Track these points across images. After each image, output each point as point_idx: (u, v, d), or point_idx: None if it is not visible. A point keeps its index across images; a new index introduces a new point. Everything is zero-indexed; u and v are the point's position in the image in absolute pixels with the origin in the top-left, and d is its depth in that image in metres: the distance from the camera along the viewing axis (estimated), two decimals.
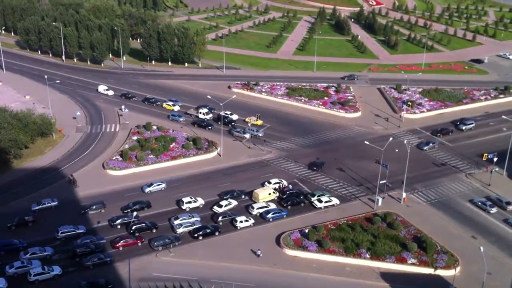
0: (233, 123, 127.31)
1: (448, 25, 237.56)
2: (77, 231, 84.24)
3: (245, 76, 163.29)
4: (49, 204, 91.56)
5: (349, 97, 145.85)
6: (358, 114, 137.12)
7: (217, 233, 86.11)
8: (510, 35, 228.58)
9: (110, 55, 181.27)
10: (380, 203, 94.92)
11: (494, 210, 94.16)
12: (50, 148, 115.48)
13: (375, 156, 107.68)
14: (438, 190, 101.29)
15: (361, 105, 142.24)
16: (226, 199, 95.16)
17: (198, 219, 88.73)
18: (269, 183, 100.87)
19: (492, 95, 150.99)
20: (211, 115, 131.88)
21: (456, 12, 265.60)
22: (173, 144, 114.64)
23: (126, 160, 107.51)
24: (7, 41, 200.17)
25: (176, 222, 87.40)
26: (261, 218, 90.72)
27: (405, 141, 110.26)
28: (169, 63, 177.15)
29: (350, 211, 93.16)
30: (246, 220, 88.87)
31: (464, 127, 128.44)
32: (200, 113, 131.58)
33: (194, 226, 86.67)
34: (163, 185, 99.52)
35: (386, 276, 77.79)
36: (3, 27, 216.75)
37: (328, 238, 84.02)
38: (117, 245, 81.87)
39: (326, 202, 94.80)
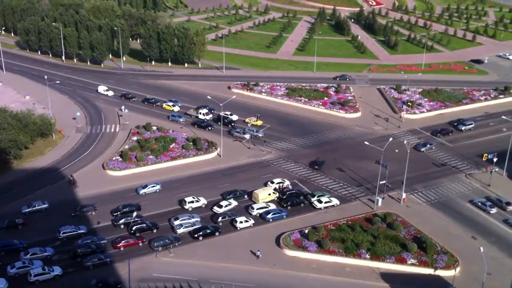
0: (233, 124, 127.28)
1: (448, 26, 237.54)
2: (79, 231, 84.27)
3: (245, 77, 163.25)
4: (39, 207, 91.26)
5: (349, 98, 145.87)
6: (358, 114, 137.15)
7: (217, 234, 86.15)
8: (510, 35, 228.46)
9: (110, 55, 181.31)
10: (380, 204, 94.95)
11: (494, 210, 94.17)
12: (50, 148, 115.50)
13: (375, 157, 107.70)
14: (438, 190, 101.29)
15: (361, 105, 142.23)
16: (229, 199, 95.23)
17: (198, 219, 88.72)
18: (272, 182, 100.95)
19: (492, 96, 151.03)
20: (211, 115, 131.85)
21: (456, 12, 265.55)
22: (173, 144, 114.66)
23: (126, 161, 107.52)
24: (7, 41, 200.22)
25: (176, 222, 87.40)
26: (261, 219, 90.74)
27: (405, 142, 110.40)
28: (169, 63, 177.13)
29: (350, 212, 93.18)
30: (246, 221, 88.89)
31: (463, 128, 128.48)
32: (200, 113, 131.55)
33: (194, 227, 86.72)
34: (158, 187, 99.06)
35: (386, 276, 77.82)
36: (3, 28, 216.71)
37: (328, 238, 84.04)
38: (118, 245, 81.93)
39: (326, 202, 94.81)
